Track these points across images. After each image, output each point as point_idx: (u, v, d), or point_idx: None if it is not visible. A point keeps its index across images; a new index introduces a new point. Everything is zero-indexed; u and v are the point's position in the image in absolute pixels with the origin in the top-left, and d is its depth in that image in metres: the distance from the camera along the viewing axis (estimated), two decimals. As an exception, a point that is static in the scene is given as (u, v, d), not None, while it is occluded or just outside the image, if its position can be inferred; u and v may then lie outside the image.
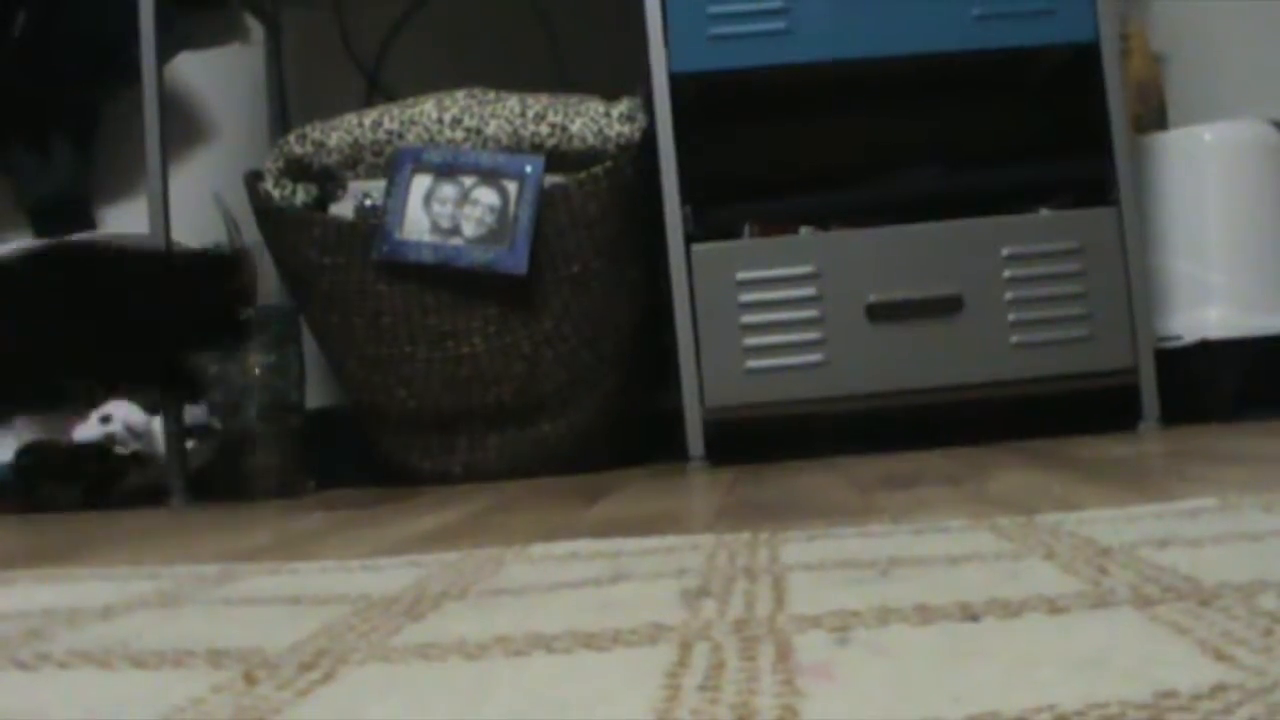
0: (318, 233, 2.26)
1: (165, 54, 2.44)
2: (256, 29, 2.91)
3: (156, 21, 2.33)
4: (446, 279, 2.22)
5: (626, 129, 2.27)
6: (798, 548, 0.87)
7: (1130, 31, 2.63)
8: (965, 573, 0.72)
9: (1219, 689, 0.43)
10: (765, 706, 0.45)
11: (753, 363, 2.16)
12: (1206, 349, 2.30)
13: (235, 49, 2.94)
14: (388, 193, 2.24)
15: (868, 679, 0.49)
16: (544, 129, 2.27)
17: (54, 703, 0.55)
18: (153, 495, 2.30)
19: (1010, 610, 0.59)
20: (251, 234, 2.44)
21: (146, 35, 2.33)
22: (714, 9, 2.24)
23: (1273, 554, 0.72)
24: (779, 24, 2.24)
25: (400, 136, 2.30)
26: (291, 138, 2.37)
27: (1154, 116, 2.64)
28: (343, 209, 2.30)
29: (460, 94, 2.35)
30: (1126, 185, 2.27)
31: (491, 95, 2.34)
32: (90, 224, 2.83)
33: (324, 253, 2.26)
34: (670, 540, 0.96)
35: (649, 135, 2.25)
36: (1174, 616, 0.55)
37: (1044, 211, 2.28)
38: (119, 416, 2.45)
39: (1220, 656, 0.47)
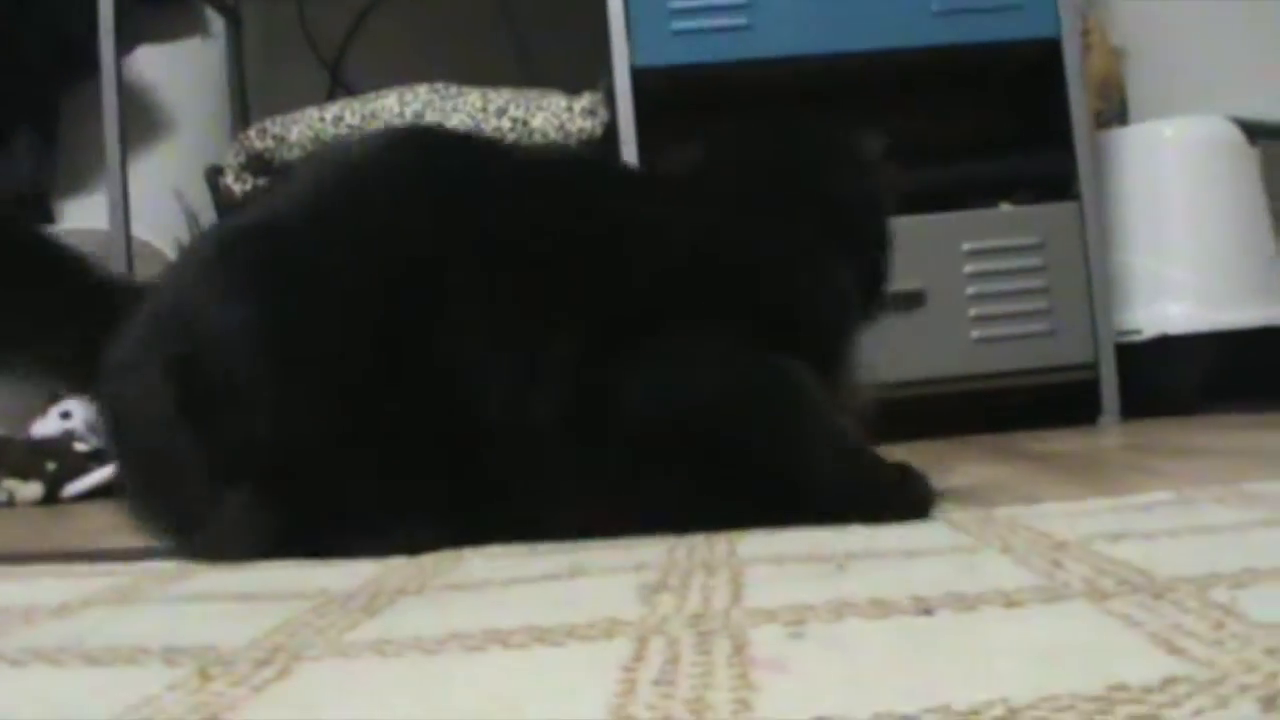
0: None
1: (125, 47, 2.43)
2: (217, 22, 2.90)
3: (116, 15, 2.32)
4: (408, 274, 2.21)
5: (588, 124, 2.28)
6: (756, 542, 0.87)
7: (1091, 27, 2.65)
8: (922, 566, 0.72)
9: (1169, 681, 0.43)
10: (719, 701, 0.45)
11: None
12: (1166, 344, 2.32)
13: (195, 42, 2.93)
14: (349, 187, 2.23)
15: (822, 673, 0.49)
16: (505, 123, 2.27)
17: (5, 701, 0.54)
18: (112, 491, 2.28)
19: (965, 604, 0.59)
20: (212, 229, 2.43)
21: (106, 29, 2.32)
22: (676, 4, 2.24)
23: (1226, 547, 0.73)
24: (741, 19, 2.25)
25: (361, 131, 2.29)
26: (252, 132, 2.36)
27: (1115, 112, 2.65)
28: (304, 204, 2.29)
29: (422, 88, 2.34)
30: (1087, 180, 2.28)
31: (453, 90, 2.34)
32: (50, 218, 2.82)
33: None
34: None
35: (611, 130, 2.25)
36: (1127, 610, 0.55)
37: (1005, 207, 2.30)
38: (79, 413, 2.43)
39: (1172, 649, 0.48)
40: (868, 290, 1.17)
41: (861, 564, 0.74)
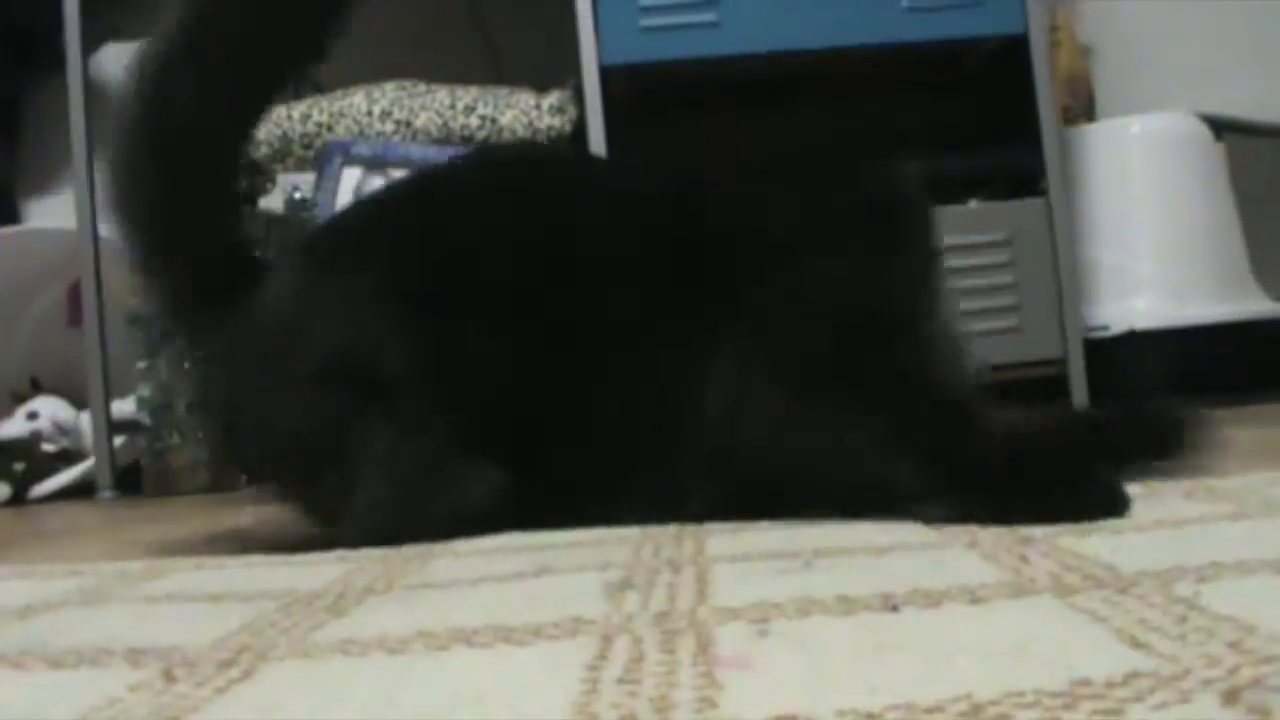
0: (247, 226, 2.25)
1: (91, 45, 2.41)
2: (184, 20, 2.88)
3: (82, 12, 2.31)
4: (377, 272, 2.21)
5: (557, 121, 2.27)
6: (723, 539, 0.87)
7: (1058, 24, 2.66)
8: (889, 563, 0.72)
9: (1133, 676, 0.43)
10: (683, 699, 0.45)
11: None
12: (1134, 339, 2.33)
13: (162, 40, 2.91)
14: (317, 186, 2.23)
15: (786, 670, 0.49)
16: (474, 121, 2.27)
17: (-33, 704, 0.54)
18: (80, 491, 2.28)
19: (931, 600, 0.59)
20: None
21: (71, 25, 2.30)
22: (645, 1, 2.24)
23: (1191, 541, 0.73)
24: (709, 16, 2.25)
25: (329, 129, 2.29)
26: (219, 130, 2.35)
27: (1082, 108, 2.66)
28: (272, 202, 2.28)
29: (390, 86, 2.34)
30: (1055, 177, 2.29)
31: (421, 88, 2.33)
32: (14, 217, 2.80)
33: (254, 246, 2.24)
34: (598, 533, 0.96)
35: (580, 127, 2.25)
36: (1092, 605, 0.56)
37: (973, 203, 2.30)
38: (46, 413, 2.43)
39: (1135, 644, 0.48)
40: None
41: (829, 561, 0.74)
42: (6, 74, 2.77)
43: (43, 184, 2.80)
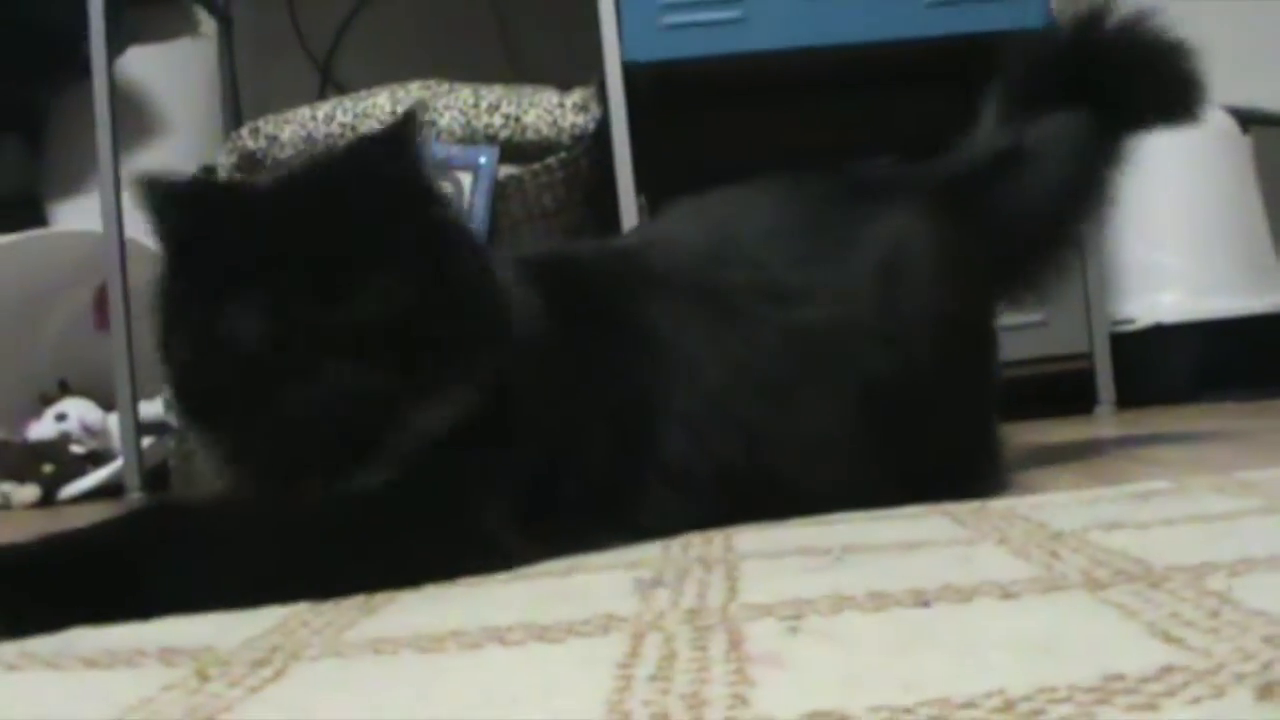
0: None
1: (115, 48, 2.42)
2: (208, 22, 2.90)
3: (106, 16, 2.31)
4: (402, 272, 2.21)
5: (580, 119, 2.27)
6: (752, 536, 0.87)
7: (1082, 17, 2.64)
8: (919, 559, 0.72)
9: (1166, 671, 0.43)
10: (716, 696, 0.45)
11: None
12: (1160, 333, 2.32)
13: (186, 42, 2.92)
14: (342, 186, 2.23)
15: (819, 667, 0.49)
16: (497, 120, 2.27)
17: (3, 705, 0.54)
18: (109, 492, 2.28)
19: (962, 596, 0.59)
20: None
21: (96, 30, 2.31)
22: (666, -2, 2.23)
23: (1221, 536, 0.73)
24: (733, 12, 2.24)
25: (354, 129, 2.29)
26: (244, 131, 2.35)
27: (1107, 102, 2.64)
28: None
29: (414, 86, 2.34)
30: (1080, 171, 2.28)
31: (445, 87, 2.33)
32: (42, 221, 2.81)
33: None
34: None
35: (603, 125, 2.25)
36: (1123, 599, 0.56)
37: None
38: (74, 415, 2.43)
39: (1168, 639, 0.48)
40: None
41: (858, 557, 0.74)
42: (33, 78, 2.78)
43: (69, 187, 2.80)
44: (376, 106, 2.30)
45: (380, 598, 0.73)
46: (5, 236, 2.51)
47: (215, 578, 0.75)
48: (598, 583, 0.73)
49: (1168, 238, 2.40)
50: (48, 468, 2.30)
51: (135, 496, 2.22)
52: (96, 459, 2.39)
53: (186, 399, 0.89)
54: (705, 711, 0.43)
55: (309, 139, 2.30)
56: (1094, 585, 0.59)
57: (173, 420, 2.21)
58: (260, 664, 0.56)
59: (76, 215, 2.72)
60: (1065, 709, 0.40)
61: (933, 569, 0.67)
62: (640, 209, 2.17)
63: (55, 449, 2.35)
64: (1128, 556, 0.66)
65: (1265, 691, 0.40)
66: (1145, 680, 0.42)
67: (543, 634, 0.58)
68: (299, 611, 0.69)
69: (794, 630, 0.55)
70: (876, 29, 2.27)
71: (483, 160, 2.21)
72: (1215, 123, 2.43)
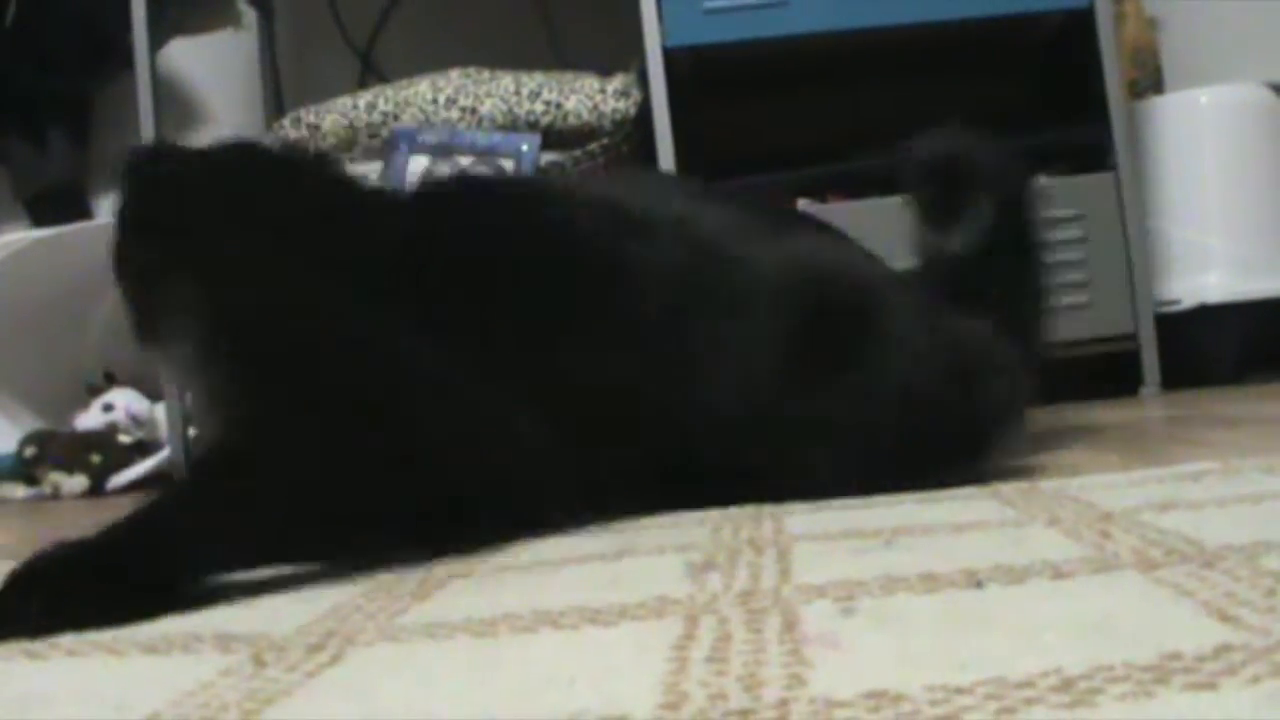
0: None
1: (158, 40, 2.43)
2: (249, 13, 2.91)
3: (149, 8, 2.33)
4: (445, 260, 2.22)
5: (622, 105, 2.27)
6: (802, 519, 0.87)
7: (1125, -4, 2.63)
8: (969, 540, 0.72)
9: (1223, 649, 0.43)
10: (772, 677, 0.45)
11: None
12: (1205, 313, 2.30)
13: (228, 34, 2.93)
14: (384, 174, 2.24)
15: (874, 648, 0.49)
16: (539, 107, 2.27)
17: (64, 690, 0.55)
18: (157, 482, 2.30)
19: (1014, 576, 0.59)
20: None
21: (139, 22, 2.32)
22: (707, -16, 2.23)
23: (1274, 516, 0.72)
24: (775, -4, 2.24)
25: (395, 118, 2.30)
26: (286, 121, 2.37)
27: (1150, 81, 2.63)
28: (340, 192, 2.29)
29: (454, 73, 2.34)
30: (1124, 151, 2.27)
31: (486, 74, 2.34)
32: (87, 214, 2.83)
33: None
34: (676, 515, 0.96)
35: (645, 111, 2.25)
36: (1177, 579, 0.55)
37: (1042, 179, 2.28)
38: (121, 405, 2.45)
39: (1224, 618, 0.48)
40: None
41: (909, 539, 0.74)
42: (77, 71, 2.80)
43: (113, 179, 2.82)
44: (418, 95, 2.30)
45: (432, 583, 0.73)
46: (52, 229, 2.53)
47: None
48: (649, 566, 0.73)
49: (1212, 218, 2.38)
50: (96, 458, 2.32)
51: (183, 485, 2.23)
52: (144, 449, 2.41)
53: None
54: (762, 692, 0.43)
55: (351, 128, 2.30)
56: (1147, 565, 0.59)
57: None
58: (316, 649, 0.57)
59: (121, 207, 2.73)
60: (1123, 687, 0.40)
61: (984, 550, 0.67)
62: (682, 194, 2.17)
63: (103, 439, 2.37)
64: (1180, 536, 0.66)
65: (1325, 669, 0.40)
66: (1203, 659, 0.42)
67: (595, 617, 0.58)
68: (352, 597, 0.70)
69: (848, 612, 0.55)
70: (918, 10, 2.26)
71: (525, 148, 2.21)
72: (1258, 100, 2.41)
